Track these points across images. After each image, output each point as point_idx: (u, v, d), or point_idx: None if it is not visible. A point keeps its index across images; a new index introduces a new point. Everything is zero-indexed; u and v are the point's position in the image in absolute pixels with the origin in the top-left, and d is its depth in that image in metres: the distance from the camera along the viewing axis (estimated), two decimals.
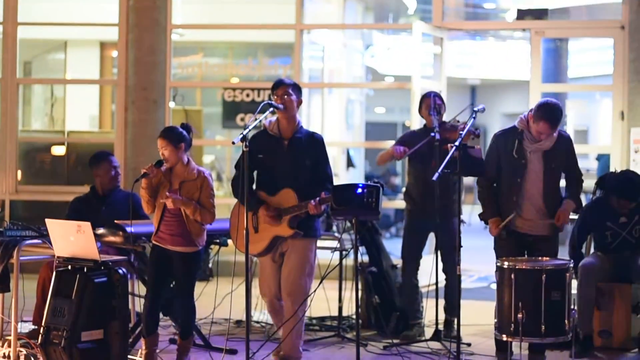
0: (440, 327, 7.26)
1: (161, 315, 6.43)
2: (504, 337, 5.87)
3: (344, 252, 7.44)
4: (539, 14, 10.44)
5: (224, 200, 9.56)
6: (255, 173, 6.15)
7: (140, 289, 6.68)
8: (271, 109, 6.01)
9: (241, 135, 5.67)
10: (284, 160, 6.05)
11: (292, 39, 10.64)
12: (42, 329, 5.86)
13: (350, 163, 14.91)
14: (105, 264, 5.91)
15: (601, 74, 15.45)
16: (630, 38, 9.78)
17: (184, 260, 6.06)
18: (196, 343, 6.72)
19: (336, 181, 6.32)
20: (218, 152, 14.26)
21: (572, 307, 5.84)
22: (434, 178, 5.95)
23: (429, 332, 7.34)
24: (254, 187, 6.11)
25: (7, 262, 6.40)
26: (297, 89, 6.14)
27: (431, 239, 7.72)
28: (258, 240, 6.03)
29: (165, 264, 6.10)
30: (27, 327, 6.89)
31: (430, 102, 7.36)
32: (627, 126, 9.69)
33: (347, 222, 7.23)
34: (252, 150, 5.82)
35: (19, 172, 10.98)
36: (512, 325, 5.76)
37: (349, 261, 7.67)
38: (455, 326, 6.50)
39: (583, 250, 7.31)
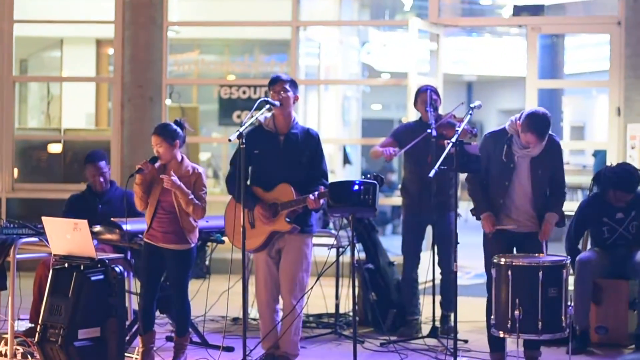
0: (437, 324, 7.27)
1: (158, 312, 6.42)
2: (501, 334, 5.86)
3: (340, 249, 7.42)
4: (535, 10, 10.43)
5: (221, 198, 9.54)
6: (249, 169, 6.15)
7: (136, 286, 6.67)
8: (268, 106, 6.01)
9: (237, 133, 5.68)
10: (280, 156, 6.05)
11: (288, 36, 10.63)
12: (39, 326, 5.86)
13: (346, 160, 14.89)
14: (102, 262, 5.90)
15: (597, 70, 15.47)
16: (626, 34, 9.77)
17: (177, 257, 6.06)
18: (193, 340, 6.71)
19: (332, 178, 6.32)
20: (214, 150, 14.24)
21: (569, 303, 5.83)
22: (430, 175, 5.92)
23: (425, 329, 7.35)
24: (248, 182, 6.11)
25: (3, 260, 6.40)
26: (294, 85, 6.14)
27: (429, 232, 7.70)
28: (255, 235, 6.04)
29: (157, 261, 6.10)
30: (24, 325, 6.88)
31: (427, 98, 7.33)
32: (624, 122, 9.68)
33: (344, 219, 7.22)
34: (247, 146, 5.82)
35: (16, 170, 10.95)
36: (510, 322, 5.75)
37: (346, 258, 7.67)
38: (452, 321, 6.48)
39: (580, 246, 7.31)
